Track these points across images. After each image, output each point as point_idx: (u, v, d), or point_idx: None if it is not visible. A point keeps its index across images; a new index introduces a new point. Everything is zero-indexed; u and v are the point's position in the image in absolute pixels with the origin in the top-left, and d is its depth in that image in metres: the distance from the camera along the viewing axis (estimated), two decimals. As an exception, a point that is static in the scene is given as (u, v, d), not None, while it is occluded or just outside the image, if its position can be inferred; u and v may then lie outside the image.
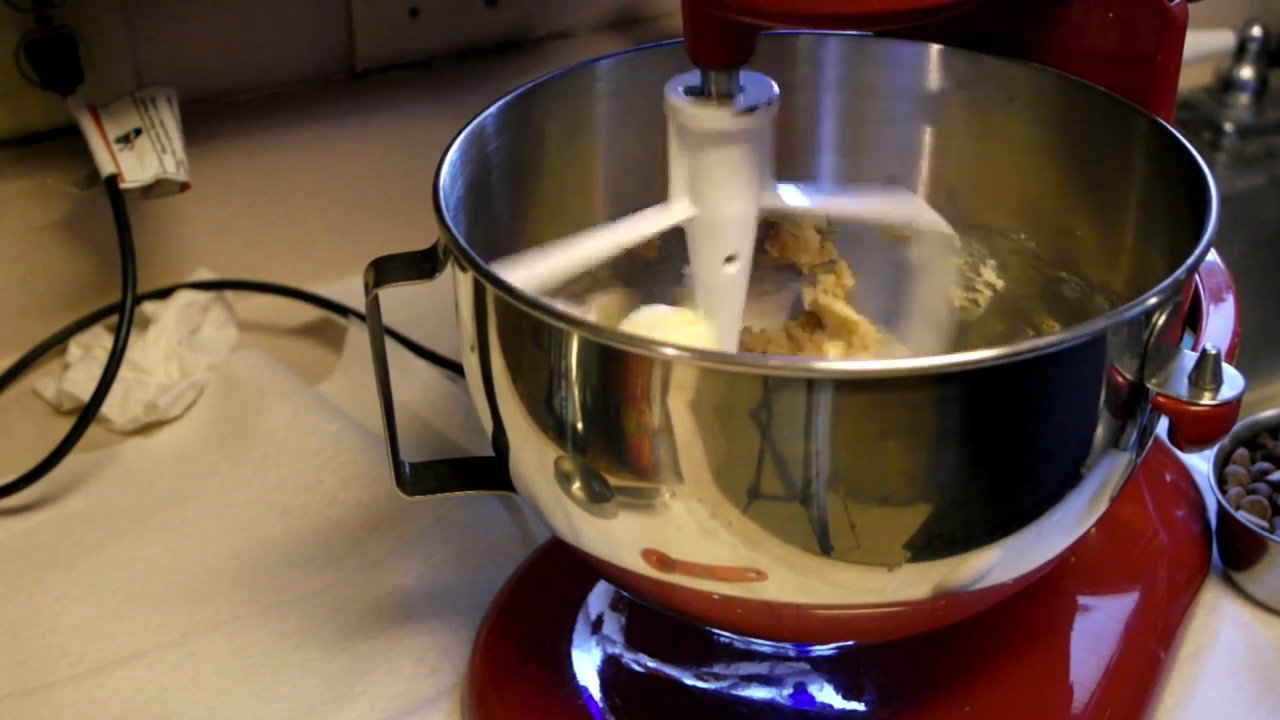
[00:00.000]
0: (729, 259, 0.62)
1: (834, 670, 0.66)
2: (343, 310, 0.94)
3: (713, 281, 0.63)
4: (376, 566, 0.76)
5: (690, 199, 0.61)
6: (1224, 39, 1.25)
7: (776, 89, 0.61)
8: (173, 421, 0.87)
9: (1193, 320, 0.64)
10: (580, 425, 0.54)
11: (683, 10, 0.59)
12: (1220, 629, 0.72)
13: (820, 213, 0.70)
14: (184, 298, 0.90)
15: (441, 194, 0.58)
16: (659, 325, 0.63)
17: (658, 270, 0.71)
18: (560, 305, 0.53)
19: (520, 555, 0.75)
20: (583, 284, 0.69)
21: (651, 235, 0.63)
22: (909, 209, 0.67)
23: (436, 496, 0.64)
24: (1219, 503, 0.74)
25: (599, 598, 0.69)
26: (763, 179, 0.61)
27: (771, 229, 0.72)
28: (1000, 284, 0.70)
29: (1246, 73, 1.26)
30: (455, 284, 0.58)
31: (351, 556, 0.77)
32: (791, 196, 0.64)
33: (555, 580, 0.71)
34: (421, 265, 0.59)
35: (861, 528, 0.52)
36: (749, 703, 0.64)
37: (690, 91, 0.60)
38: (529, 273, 0.60)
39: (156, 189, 0.85)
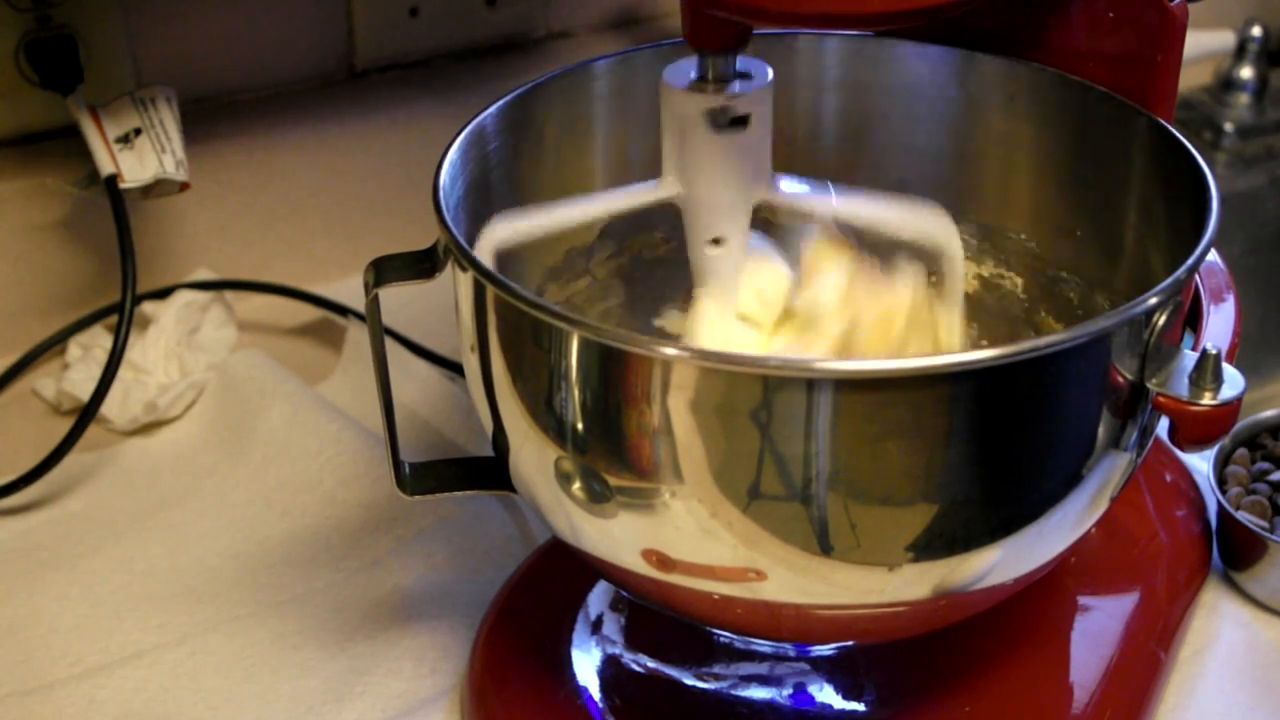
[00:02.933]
0: (714, 241, 0.62)
1: (834, 670, 0.66)
2: (343, 310, 0.94)
3: (700, 262, 0.63)
4: (376, 566, 0.76)
5: (678, 178, 0.61)
6: (1224, 39, 1.25)
7: (770, 76, 0.60)
8: (172, 421, 0.87)
9: (1193, 320, 0.64)
10: (580, 425, 0.54)
11: None
12: (1220, 629, 0.72)
13: (826, 211, 0.69)
14: (184, 298, 0.90)
15: (441, 194, 0.58)
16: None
17: (659, 276, 0.71)
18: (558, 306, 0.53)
19: (520, 555, 0.75)
20: (583, 284, 0.69)
21: (638, 207, 0.63)
22: (926, 225, 0.64)
23: (436, 496, 0.64)
24: (1219, 503, 0.73)
25: (599, 598, 0.69)
26: (754, 167, 0.61)
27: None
28: (1002, 283, 0.71)
29: (1246, 73, 1.26)
30: (455, 284, 0.58)
31: (351, 556, 0.77)
32: (791, 188, 0.63)
33: (555, 580, 0.71)
34: (421, 265, 0.58)
35: (862, 528, 0.52)
36: (749, 703, 0.64)
37: (687, 73, 0.60)
38: (512, 227, 0.61)
39: (156, 189, 0.85)
